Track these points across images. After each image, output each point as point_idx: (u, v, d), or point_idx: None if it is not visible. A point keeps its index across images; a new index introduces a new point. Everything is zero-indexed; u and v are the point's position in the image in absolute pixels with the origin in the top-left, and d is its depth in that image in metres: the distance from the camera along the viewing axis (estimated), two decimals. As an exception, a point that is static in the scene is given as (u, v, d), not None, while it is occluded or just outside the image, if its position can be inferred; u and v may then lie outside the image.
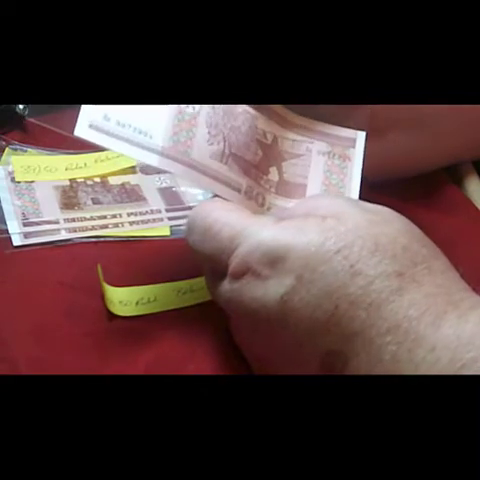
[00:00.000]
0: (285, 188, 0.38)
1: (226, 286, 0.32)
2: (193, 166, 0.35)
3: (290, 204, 0.38)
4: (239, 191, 0.36)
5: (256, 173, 0.37)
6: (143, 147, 0.34)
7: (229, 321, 0.34)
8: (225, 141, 0.36)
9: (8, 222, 0.43)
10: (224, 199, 0.36)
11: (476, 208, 0.47)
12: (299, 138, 0.39)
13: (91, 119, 0.34)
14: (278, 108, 0.39)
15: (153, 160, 0.35)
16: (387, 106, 0.39)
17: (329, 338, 0.28)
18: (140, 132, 0.34)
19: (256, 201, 0.37)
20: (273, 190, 0.38)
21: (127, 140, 0.34)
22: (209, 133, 0.36)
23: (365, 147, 0.40)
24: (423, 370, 0.26)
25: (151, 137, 0.34)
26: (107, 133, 0.34)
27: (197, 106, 0.36)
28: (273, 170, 0.38)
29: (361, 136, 0.40)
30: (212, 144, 0.36)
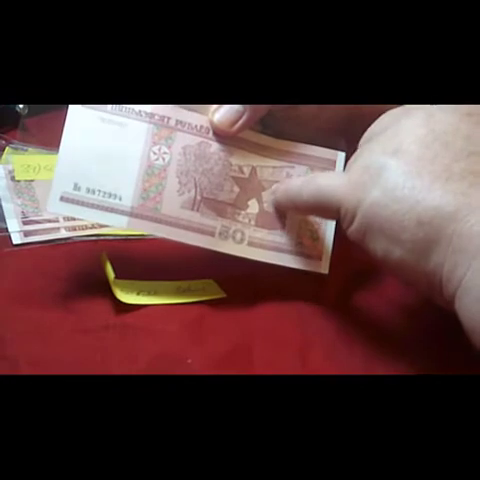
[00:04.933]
0: (265, 219, 0.39)
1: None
2: (163, 221, 0.37)
3: (270, 236, 0.39)
4: (213, 235, 0.38)
5: (232, 211, 0.38)
6: (112, 210, 0.36)
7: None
8: (196, 187, 0.37)
9: (8, 220, 0.43)
10: (197, 246, 0.37)
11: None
12: (279, 164, 0.39)
13: (62, 190, 0.36)
14: (255, 136, 0.39)
15: (122, 223, 0.36)
16: None
17: None
18: (109, 195, 0.36)
19: (233, 239, 0.38)
20: (253, 223, 0.39)
21: (97, 206, 0.36)
22: (180, 182, 0.37)
23: (344, 169, 0.38)
24: None
25: (120, 199, 0.36)
26: (77, 203, 0.36)
27: (167, 157, 0.37)
28: (252, 203, 0.39)
29: (341, 157, 0.40)
30: (183, 193, 0.37)
